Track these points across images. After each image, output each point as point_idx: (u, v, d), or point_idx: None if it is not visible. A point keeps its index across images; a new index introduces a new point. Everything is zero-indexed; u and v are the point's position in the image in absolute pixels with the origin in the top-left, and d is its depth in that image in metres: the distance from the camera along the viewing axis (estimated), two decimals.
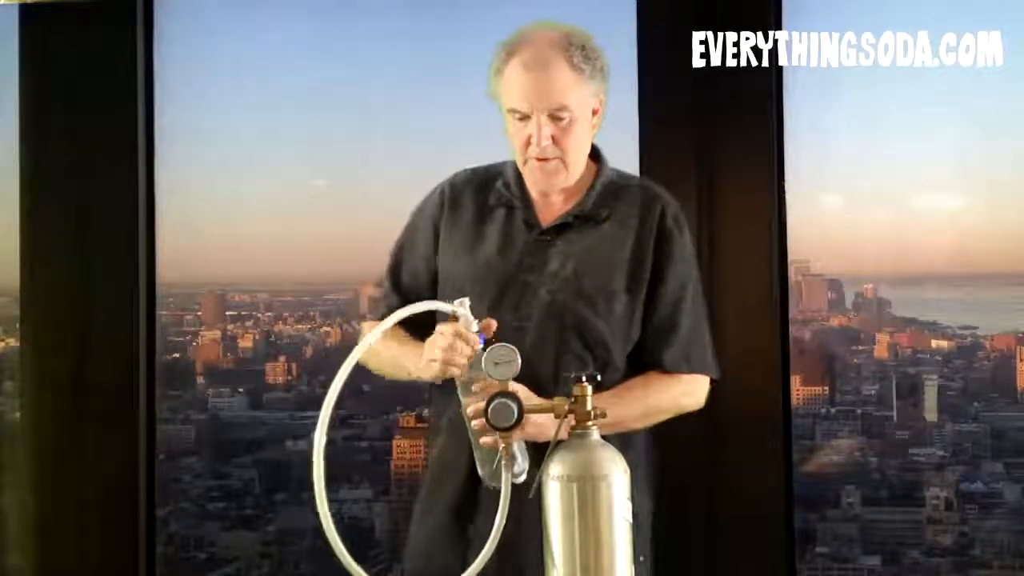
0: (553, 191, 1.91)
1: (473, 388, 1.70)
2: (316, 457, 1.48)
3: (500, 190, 1.94)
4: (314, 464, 1.47)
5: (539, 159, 1.85)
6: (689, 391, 1.93)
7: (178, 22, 2.96)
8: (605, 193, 1.93)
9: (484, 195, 1.96)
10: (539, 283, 1.86)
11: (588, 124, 1.89)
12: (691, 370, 1.92)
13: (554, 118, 1.82)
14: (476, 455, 1.75)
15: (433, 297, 1.91)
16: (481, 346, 1.68)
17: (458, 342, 1.67)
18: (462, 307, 1.66)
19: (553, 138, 1.83)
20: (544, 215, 1.92)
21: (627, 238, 1.89)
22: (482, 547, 1.56)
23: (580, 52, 1.84)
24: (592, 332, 1.85)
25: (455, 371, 1.71)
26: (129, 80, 2.84)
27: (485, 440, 1.69)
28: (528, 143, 1.85)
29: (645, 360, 1.91)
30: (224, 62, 3.45)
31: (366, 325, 2.00)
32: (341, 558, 1.50)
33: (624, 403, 1.82)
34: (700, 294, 1.96)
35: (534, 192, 1.93)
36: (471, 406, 1.70)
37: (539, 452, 1.60)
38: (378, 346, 1.81)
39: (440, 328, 1.71)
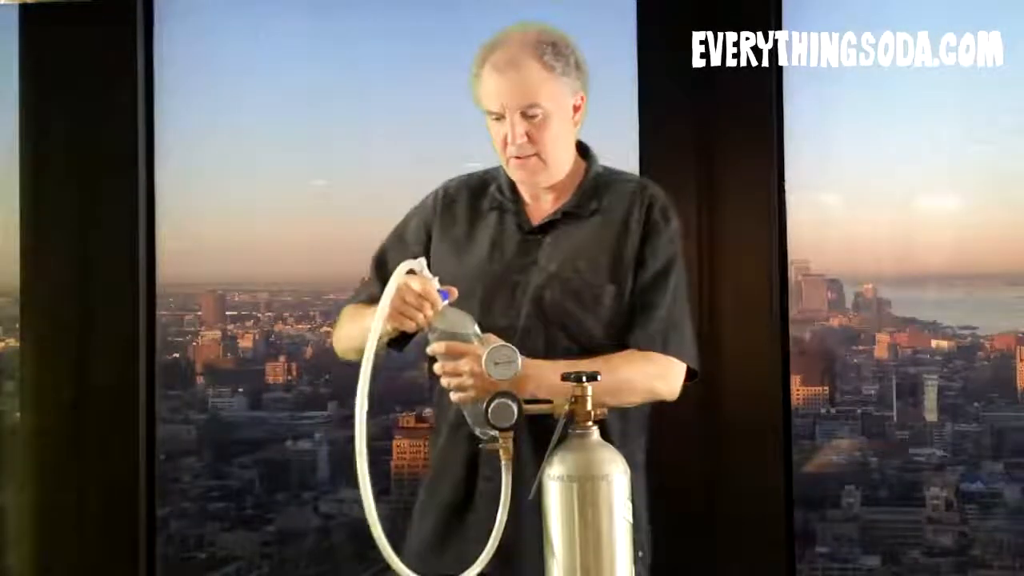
0: (538, 188, 1.93)
1: (437, 348, 1.75)
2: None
3: (494, 194, 1.97)
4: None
5: (517, 157, 1.87)
6: (663, 375, 1.87)
7: (178, 22, 2.96)
8: (593, 189, 1.94)
9: (479, 200, 1.98)
10: (527, 281, 1.88)
11: (568, 121, 1.90)
12: (665, 351, 1.87)
13: (526, 116, 1.85)
14: (464, 412, 1.78)
15: None
16: (445, 302, 1.74)
17: (411, 292, 1.72)
18: (419, 266, 1.72)
19: (528, 135, 1.85)
20: (535, 216, 1.94)
21: (613, 231, 1.90)
22: (480, 547, 1.57)
23: (551, 50, 1.86)
24: (579, 327, 1.86)
25: (409, 324, 1.75)
26: (129, 80, 2.84)
27: (455, 395, 1.75)
28: (506, 143, 1.87)
29: (622, 339, 1.88)
30: (224, 62, 3.45)
31: (346, 309, 2.04)
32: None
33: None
34: (684, 284, 1.94)
35: (525, 194, 1.95)
36: (438, 366, 1.76)
37: (539, 452, 1.61)
38: (346, 325, 1.98)
39: (400, 280, 1.72)
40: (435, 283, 1.75)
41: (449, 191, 2.01)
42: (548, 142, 1.87)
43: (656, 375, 1.87)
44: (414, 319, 1.74)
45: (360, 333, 1.84)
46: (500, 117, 1.86)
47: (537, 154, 1.87)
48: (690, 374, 1.91)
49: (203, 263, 3.64)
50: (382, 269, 2.00)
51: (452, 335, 1.75)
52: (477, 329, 1.76)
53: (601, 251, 1.89)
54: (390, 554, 1.53)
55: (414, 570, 1.91)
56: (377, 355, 1.60)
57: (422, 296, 1.72)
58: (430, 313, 1.74)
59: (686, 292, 1.95)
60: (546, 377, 1.68)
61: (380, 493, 1.69)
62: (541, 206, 1.95)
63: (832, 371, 3.47)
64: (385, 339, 1.79)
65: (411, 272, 1.71)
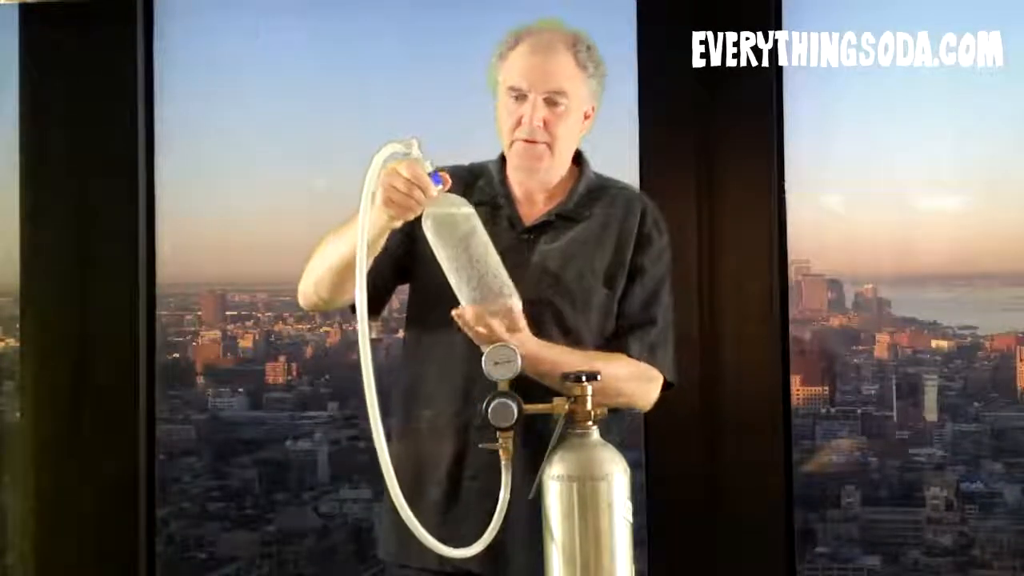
0: (534, 180, 1.92)
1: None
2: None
3: (483, 188, 1.95)
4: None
5: (526, 140, 1.87)
6: (646, 382, 1.90)
7: (178, 22, 2.95)
8: (587, 195, 1.95)
9: (468, 193, 1.94)
10: (521, 280, 1.85)
11: (579, 123, 1.91)
12: (652, 361, 1.90)
13: (550, 103, 1.85)
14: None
15: (389, 282, 1.93)
16: (438, 187, 1.67)
17: (399, 178, 1.65)
18: (406, 147, 1.65)
19: (545, 122, 1.85)
20: (527, 215, 1.93)
21: (607, 236, 1.91)
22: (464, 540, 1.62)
23: (586, 51, 1.88)
24: (571, 328, 1.86)
25: (403, 214, 1.68)
26: (129, 80, 2.84)
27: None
28: (519, 123, 1.87)
29: (614, 348, 1.90)
30: (224, 62, 3.45)
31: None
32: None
33: (586, 359, 1.79)
34: (671, 298, 1.96)
35: (518, 191, 1.94)
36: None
37: (539, 453, 1.61)
38: (315, 255, 1.88)
39: (382, 162, 1.67)
40: (427, 166, 1.67)
41: None
42: (560, 135, 1.87)
43: (641, 378, 1.90)
44: (408, 208, 1.67)
45: (336, 248, 1.80)
46: (521, 97, 1.86)
47: (547, 143, 1.87)
48: (664, 385, 1.94)
49: (203, 263, 3.64)
50: None
51: (445, 218, 1.70)
52: (470, 210, 1.72)
53: (595, 255, 1.90)
54: (423, 533, 1.60)
55: (400, 571, 1.92)
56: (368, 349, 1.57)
57: (412, 182, 1.66)
58: (422, 199, 1.67)
59: (672, 305, 1.97)
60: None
61: (380, 493, 1.69)
62: (533, 207, 1.94)
63: (832, 371, 3.47)
64: (377, 235, 1.72)
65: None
